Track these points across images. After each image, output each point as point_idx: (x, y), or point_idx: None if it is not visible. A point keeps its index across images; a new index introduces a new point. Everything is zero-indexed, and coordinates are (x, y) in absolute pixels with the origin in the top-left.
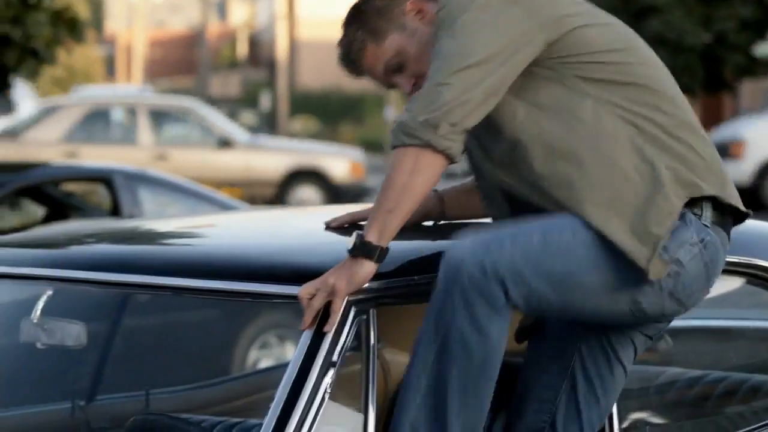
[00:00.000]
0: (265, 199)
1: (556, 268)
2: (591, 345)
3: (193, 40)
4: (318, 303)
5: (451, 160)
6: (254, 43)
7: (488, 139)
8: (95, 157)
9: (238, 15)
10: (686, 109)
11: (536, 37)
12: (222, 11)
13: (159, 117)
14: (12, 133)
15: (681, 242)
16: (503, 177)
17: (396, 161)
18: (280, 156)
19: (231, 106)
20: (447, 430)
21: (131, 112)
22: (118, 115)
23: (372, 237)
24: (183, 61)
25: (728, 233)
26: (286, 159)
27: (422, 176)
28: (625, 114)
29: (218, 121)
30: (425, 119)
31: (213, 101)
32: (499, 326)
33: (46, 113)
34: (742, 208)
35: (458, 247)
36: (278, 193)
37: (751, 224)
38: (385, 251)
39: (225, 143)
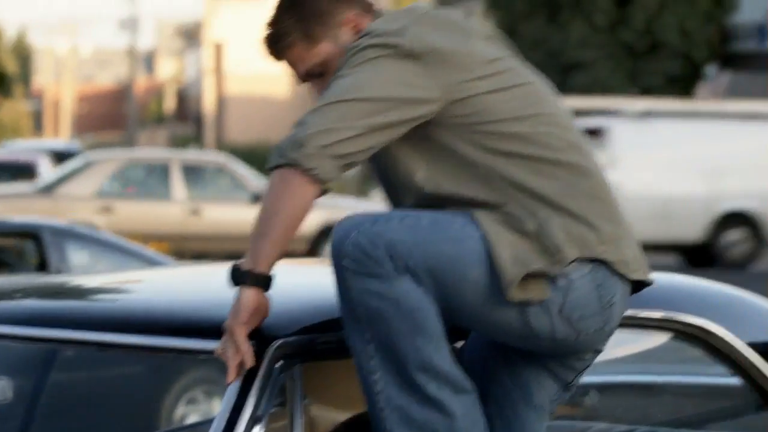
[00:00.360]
0: (298, 255)
1: (445, 250)
2: (506, 388)
3: (121, 94)
4: (230, 351)
5: (321, 183)
6: (182, 97)
7: (398, 190)
8: (130, 212)
9: (166, 70)
10: (588, 174)
11: (434, 97)
12: (150, 66)
13: (192, 172)
14: (46, 189)
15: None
16: None
17: (269, 184)
18: (312, 211)
19: None
20: (415, 384)
21: (164, 167)
22: (151, 170)
23: (246, 263)
24: (111, 116)
25: (626, 290)
26: (318, 214)
27: (291, 199)
28: (520, 182)
29: (251, 176)
30: (293, 139)
31: None
32: (401, 288)
33: (80, 168)
34: (635, 277)
35: (345, 221)
36: (311, 248)
37: (676, 279)
38: (261, 276)
39: (258, 198)
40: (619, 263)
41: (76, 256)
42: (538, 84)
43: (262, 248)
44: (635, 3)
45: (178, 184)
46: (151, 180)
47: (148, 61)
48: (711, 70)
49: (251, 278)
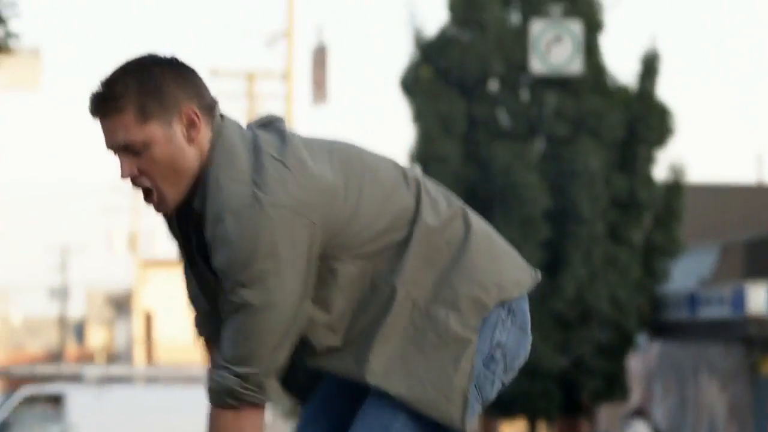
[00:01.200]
0: None
1: None
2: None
3: (52, 362)
4: None
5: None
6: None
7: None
8: None
9: (96, 338)
10: (441, 229)
11: (317, 240)
12: (80, 334)
13: None
14: None
15: (494, 326)
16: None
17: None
18: None
19: None
20: None
21: None
22: None
23: None
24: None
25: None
26: None
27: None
28: (399, 270)
29: None
30: (238, 384)
31: None
32: None
33: None
34: (519, 289)
35: None
36: None
37: None
38: None
39: None
40: (510, 291)
41: None
42: (355, 174)
43: None
44: (566, 272)
45: None
46: None
47: (79, 329)
48: (642, 339)
49: None
